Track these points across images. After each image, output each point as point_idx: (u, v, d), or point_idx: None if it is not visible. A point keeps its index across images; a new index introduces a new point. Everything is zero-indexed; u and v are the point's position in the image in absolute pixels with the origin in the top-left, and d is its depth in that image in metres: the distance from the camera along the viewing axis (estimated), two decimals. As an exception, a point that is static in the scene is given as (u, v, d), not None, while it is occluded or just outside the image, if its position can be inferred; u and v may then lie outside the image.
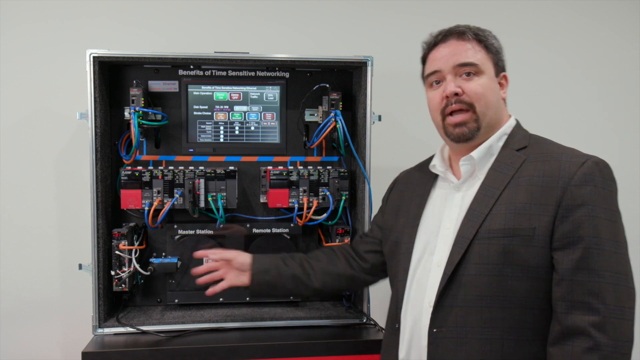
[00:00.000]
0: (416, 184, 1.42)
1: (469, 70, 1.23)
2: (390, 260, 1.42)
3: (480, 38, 1.26)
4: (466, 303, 1.17)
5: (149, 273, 1.72)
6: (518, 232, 1.14)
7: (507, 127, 1.28)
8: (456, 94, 1.23)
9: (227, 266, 1.50)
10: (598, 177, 1.12)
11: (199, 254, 1.59)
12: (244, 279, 1.49)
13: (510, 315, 1.14)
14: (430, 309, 1.21)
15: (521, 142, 1.24)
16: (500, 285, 1.14)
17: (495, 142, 1.26)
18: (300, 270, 1.49)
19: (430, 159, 1.41)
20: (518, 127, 1.29)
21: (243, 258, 1.50)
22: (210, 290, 1.49)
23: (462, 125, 1.24)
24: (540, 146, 1.23)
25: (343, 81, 1.87)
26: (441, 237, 1.25)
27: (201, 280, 1.50)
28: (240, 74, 1.83)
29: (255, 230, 1.82)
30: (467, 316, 1.17)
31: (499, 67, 1.28)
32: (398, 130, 2.18)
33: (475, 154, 1.24)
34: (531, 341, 1.14)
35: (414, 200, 1.38)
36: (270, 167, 1.77)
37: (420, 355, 1.24)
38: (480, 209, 1.19)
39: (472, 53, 1.24)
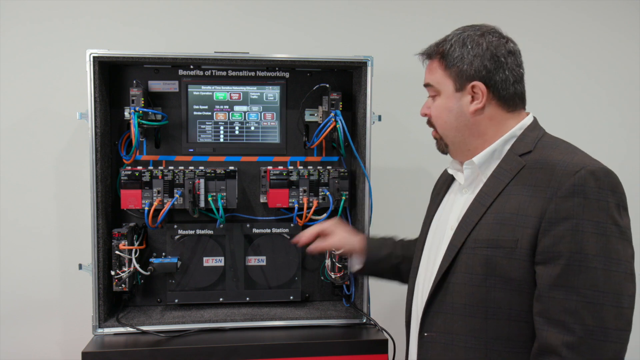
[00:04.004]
0: (442, 181, 1.43)
1: (430, 92, 1.27)
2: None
3: (444, 53, 1.21)
4: (453, 310, 1.16)
5: (149, 273, 1.72)
6: (501, 244, 1.10)
7: (518, 128, 1.20)
8: (426, 114, 1.29)
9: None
10: (592, 187, 1.03)
11: (309, 249, 1.60)
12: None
13: (494, 326, 1.12)
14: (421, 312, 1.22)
15: (527, 145, 1.17)
16: (484, 296, 1.12)
17: (501, 145, 1.20)
18: (405, 265, 1.52)
19: None
20: (531, 128, 1.21)
21: (351, 245, 1.55)
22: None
23: (435, 141, 1.31)
24: (543, 151, 1.15)
25: (343, 81, 1.87)
26: (444, 240, 1.25)
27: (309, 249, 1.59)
28: (240, 74, 1.83)
29: (255, 230, 1.82)
30: (453, 323, 1.16)
31: (463, 80, 1.20)
32: (398, 130, 2.18)
33: (476, 159, 1.22)
34: (517, 353, 1.11)
35: (436, 199, 1.40)
36: (270, 167, 1.77)
37: (415, 357, 1.26)
38: (472, 218, 1.17)
39: (430, 74, 1.26)
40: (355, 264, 1.58)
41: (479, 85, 1.18)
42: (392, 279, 1.58)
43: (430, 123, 1.29)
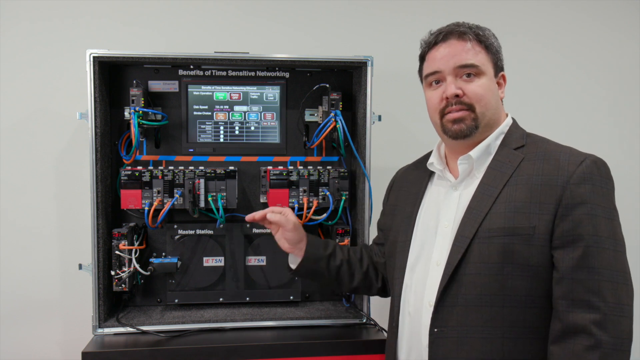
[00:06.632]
0: (412, 181, 1.43)
1: (469, 71, 1.23)
2: (388, 260, 1.42)
3: (481, 38, 1.25)
4: (467, 302, 1.17)
5: (149, 273, 1.72)
6: (518, 231, 1.14)
7: (504, 125, 1.28)
8: (456, 95, 1.23)
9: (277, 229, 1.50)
10: (597, 175, 1.13)
11: (250, 218, 1.48)
12: (288, 247, 1.48)
13: (510, 314, 1.14)
14: (431, 309, 1.21)
15: (518, 141, 1.25)
16: (501, 284, 1.15)
17: (493, 141, 1.26)
18: (346, 267, 1.51)
19: (427, 156, 1.41)
20: (515, 126, 1.30)
21: (296, 235, 1.47)
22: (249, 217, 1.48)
23: (460, 121, 1.23)
24: (538, 145, 1.23)
25: (343, 81, 1.87)
26: (439, 236, 1.25)
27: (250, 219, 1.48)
28: (240, 74, 1.83)
29: (255, 230, 1.82)
30: (468, 315, 1.17)
31: (498, 67, 1.28)
32: (398, 130, 2.18)
33: (473, 153, 1.25)
34: (531, 339, 1.15)
35: (410, 199, 1.39)
36: (270, 167, 1.77)
37: (420, 356, 1.24)
38: (480, 208, 1.19)
39: (473, 54, 1.24)
40: (292, 262, 1.53)
41: (505, 76, 1.30)
42: (329, 282, 1.53)
43: (461, 103, 1.23)
